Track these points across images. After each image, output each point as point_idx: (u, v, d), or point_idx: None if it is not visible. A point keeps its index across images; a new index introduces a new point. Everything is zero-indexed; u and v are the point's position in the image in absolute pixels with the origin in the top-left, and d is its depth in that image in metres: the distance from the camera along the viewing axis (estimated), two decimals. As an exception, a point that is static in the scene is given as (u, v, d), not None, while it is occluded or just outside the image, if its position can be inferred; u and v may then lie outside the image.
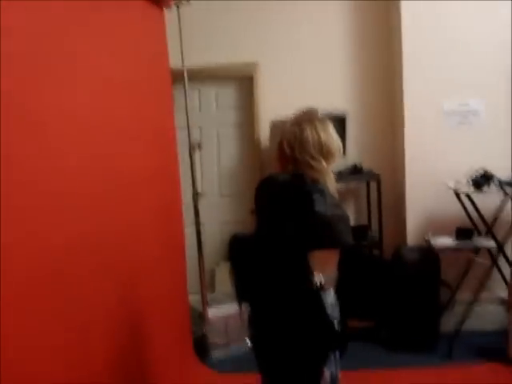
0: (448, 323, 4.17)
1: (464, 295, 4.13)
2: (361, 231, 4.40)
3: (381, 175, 4.50)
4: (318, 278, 2.09)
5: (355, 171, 4.45)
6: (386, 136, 4.70)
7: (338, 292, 2.30)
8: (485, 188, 3.80)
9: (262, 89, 4.70)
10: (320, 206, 2.07)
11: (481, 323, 4.24)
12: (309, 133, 2.21)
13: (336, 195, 2.29)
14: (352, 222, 4.63)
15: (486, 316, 4.25)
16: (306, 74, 4.71)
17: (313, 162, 2.18)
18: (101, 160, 2.62)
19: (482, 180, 3.80)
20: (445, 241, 4.05)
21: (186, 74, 3.87)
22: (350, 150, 4.53)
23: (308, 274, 2.05)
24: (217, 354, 4.06)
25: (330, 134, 2.25)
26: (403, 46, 4.37)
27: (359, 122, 4.68)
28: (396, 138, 4.61)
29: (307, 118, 2.28)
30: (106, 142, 2.71)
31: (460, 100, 4.37)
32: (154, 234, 3.20)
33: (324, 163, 2.20)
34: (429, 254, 4.13)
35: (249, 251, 2.11)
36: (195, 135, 4.62)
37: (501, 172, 4.00)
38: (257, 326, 2.19)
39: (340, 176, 4.37)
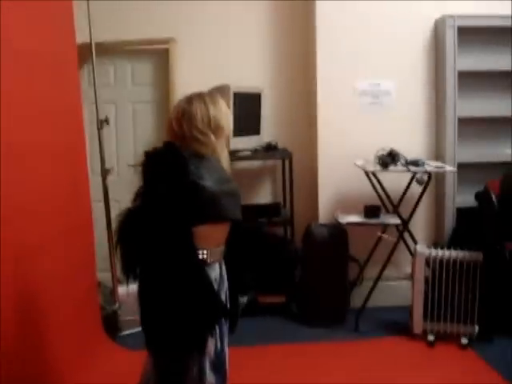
0: (357, 299, 4.30)
1: (372, 271, 4.25)
2: (274, 208, 4.44)
3: (294, 153, 4.53)
4: (202, 252, 2.11)
5: (269, 149, 4.47)
6: (301, 114, 4.72)
7: (230, 267, 2.33)
8: (391, 167, 3.90)
9: (179, 65, 4.62)
10: (204, 180, 2.07)
11: (388, 299, 4.40)
12: (197, 108, 2.21)
13: (229, 170, 2.30)
14: (267, 200, 4.73)
15: (393, 291, 4.41)
16: (222, 51, 4.67)
17: (201, 137, 2.18)
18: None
19: (388, 159, 3.89)
20: (353, 218, 4.14)
21: (93, 49, 3.80)
22: (266, 128, 4.57)
23: (191, 247, 2.06)
24: (127, 331, 4.04)
25: (220, 109, 2.25)
26: (317, 27, 4.40)
27: (275, 100, 4.69)
28: (310, 117, 4.64)
29: (197, 94, 2.28)
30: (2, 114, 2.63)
31: (372, 80, 4.44)
32: (54, 208, 3.12)
33: (213, 137, 2.20)
34: (338, 231, 4.22)
35: (135, 224, 2.09)
36: (109, 111, 4.56)
37: (409, 151, 4.10)
38: (142, 299, 2.18)
39: (255, 153, 4.47)
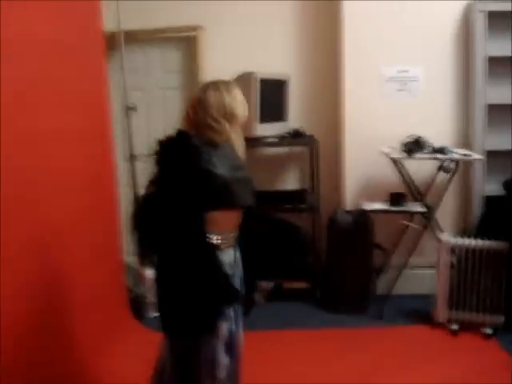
0: (381, 286, 4.31)
1: (397, 259, 4.24)
2: (300, 195, 4.46)
3: (321, 140, 4.54)
4: (215, 238, 2.16)
5: (296, 135, 4.48)
6: (328, 101, 4.70)
7: (244, 252, 2.37)
8: (417, 154, 3.86)
9: (206, 52, 4.66)
10: (217, 168, 2.11)
11: (413, 287, 4.38)
12: (212, 96, 2.24)
13: (243, 157, 2.33)
14: (294, 186, 4.75)
15: (418, 280, 4.39)
16: (249, 39, 4.68)
17: (215, 125, 2.22)
18: (22, 118, 2.62)
19: (415, 146, 3.86)
20: (379, 205, 4.13)
21: (122, 37, 3.88)
22: (292, 115, 4.57)
23: (204, 233, 2.11)
24: (154, 313, 4.14)
25: (235, 97, 2.28)
26: (344, 14, 4.37)
27: (301, 87, 4.69)
28: (337, 104, 4.61)
29: (212, 82, 2.32)
30: (28, 101, 2.71)
31: (399, 67, 4.39)
32: (79, 192, 3.21)
33: (227, 125, 2.24)
34: (363, 218, 4.22)
35: (149, 211, 2.15)
36: (139, 97, 4.64)
37: (436, 139, 4.06)
38: (158, 283, 2.24)
39: (282, 140, 4.49)
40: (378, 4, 4.34)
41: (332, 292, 4.32)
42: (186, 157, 2.08)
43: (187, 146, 2.13)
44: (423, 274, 4.36)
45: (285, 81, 4.48)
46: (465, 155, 3.99)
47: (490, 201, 4.26)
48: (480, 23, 4.19)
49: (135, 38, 4.46)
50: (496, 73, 4.29)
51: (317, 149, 4.46)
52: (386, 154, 4.00)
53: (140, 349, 3.45)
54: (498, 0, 4.19)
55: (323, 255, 4.41)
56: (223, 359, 2.26)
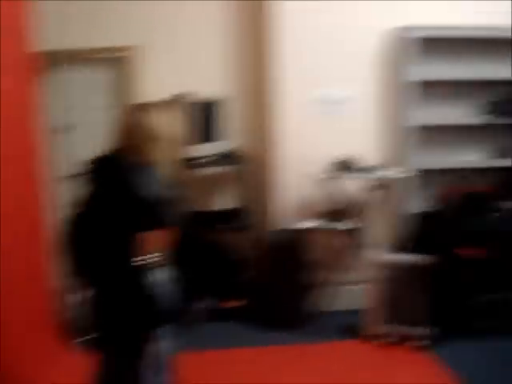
0: (317, 303, 4.38)
1: (331, 276, 4.32)
2: (234, 214, 4.51)
3: (254, 160, 4.61)
4: (145, 258, 2.17)
5: (229, 155, 4.53)
6: (260, 122, 4.77)
7: (179, 271, 2.38)
8: (346, 173, 3.98)
9: (139, 73, 4.64)
10: (144, 189, 2.13)
11: (346, 302, 4.48)
12: (139, 118, 2.27)
13: (172, 177, 2.36)
14: (228, 206, 4.79)
15: (351, 295, 4.48)
16: (183, 59, 4.70)
17: (142, 146, 2.24)
18: None
19: (344, 166, 3.98)
20: (311, 223, 4.23)
21: (50, 57, 3.86)
22: (225, 135, 4.62)
23: (132, 253, 2.12)
24: (88, 335, 4.07)
25: (162, 119, 2.31)
26: (277, 39, 4.46)
27: (235, 108, 4.74)
28: (269, 125, 4.69)
29: (140, 104, 2.36)
30: None
31: (328, 89, 4.51)
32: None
33: (154, 147, 2.26)
34: (297, 236, 4.29)
35: (80, 230, 2.15)
36: (70, 118, 4.59)
37: (366, 158, 4.20)
38: (92, 303, 2.24)
39: (215, 160, 4.52)
40: (310, 30, 4.47)
41: (268, 310, 4.36)
42: (114, 178, 2.10)
43: (116, 167, 2.14)
44: (356, 289, 4.44)
45: (218, 102, 4.54)
46: (393, 174, 4.14)
47: (418, 217, 4.42)
48: (403, 48, 4.38)
49: (73, 57, 4.42)
50: (425, 95, 4.47)
51: (250, 168, 4.52)
52: (317, 174, 4.09)
53: (72, 372, 3.40)
54: (426, 27, 4.36)
55: (258, 274, 4.45)
56: (153, 380, 2.26)
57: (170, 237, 2.31)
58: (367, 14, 4.49)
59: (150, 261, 2.20)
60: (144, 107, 2.33)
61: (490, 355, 3.81)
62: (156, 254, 2.24)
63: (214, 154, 4.50)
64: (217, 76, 4.75)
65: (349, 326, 4.25)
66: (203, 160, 4.43)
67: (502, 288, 4.16)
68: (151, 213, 2.14)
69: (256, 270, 4.45)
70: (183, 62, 4.70)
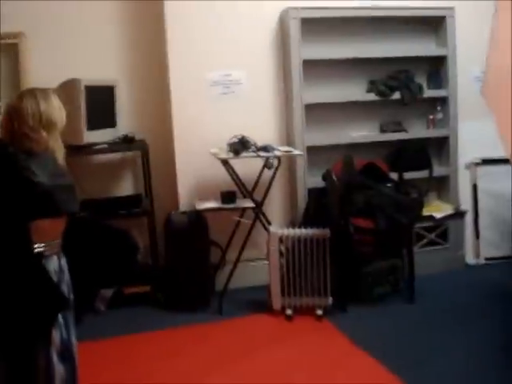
0: (221, 282, 4.45)
1: (233, 254, 4.41)
2: (134, 200, 4.49)
3: (152, 144, 4.58)
4: (39, 246, 2.15)
5: (127, 141, 4.48)
6: (156, 106, 4.77)
7: (72, 259, 2.38)
8: (242, 153, 4.07)
9: (29, 60, 4.50)
10: (37, 176, 2.10)
11: (250, 279, 4.59)
12: (27, 104, 2.23)
13: (64, 164, 2.34)
14: (128, 192, 4.77)
15: (254, 272, 4.60)
16: (74, 45, 4.58)
17: (32, 134, 2.21)
18: None
19: (240, 146, 4.06)
20: (211, 204, 4.30)
21: None
22: (122, 120, 4.56)
23: (28, 242, 2.09)
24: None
25: (52, 105, 2.28)
26: (167, 20, 4.47)
27: (130, 93, 4.70)
28: (165, 108, 4.70)
29: (28, 90, 2.31)
30: None
31: (223, 71, 4.59)
32: None
33: (44, 134, 2.23)
34: (197, 217, 4.35)
35: None
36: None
37: (261, 138, 4.28)
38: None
39: (112, 146, 4.48)
40: (201, 10, 4.50)
41: (173, 292, 4.40)
42: (3, 166, 2.05)
43: (4, 155, 2.10)
44: (258, 266, 4.59)
45: (113, 86, 4.47)
46: (286, 152, 4.29)
47: (312, 193, 4.61)
48: (294, 29, 4.51)
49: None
50: (311, 75, 4.65)
51: (148, 153, 4.51)
52: (215, 155, 4.16)
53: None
54: (310, 7, 4.52)
55: (161, 257, 4.48)
56: (58, 367, 2.26)
57: (65, 224, 2.31)
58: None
59: (46, 248, 2.19)
60: (35, 93, 2.26)
61: (382, 319, 4.07)
62: (51, 242, 2.24)
63: (113, 140, 4.44)
64: (112, 61, 4.69)
65: (254, 302, 4.37)
66: (101, 146, 4.36)
67: (390, 255, 4.46)
68: (45, 200, 2.12)
69: (158, 254, 4.47)
70: (74, 47, 4.58)
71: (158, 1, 4.57)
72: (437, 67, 5.03)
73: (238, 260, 4.30)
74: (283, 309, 4.14)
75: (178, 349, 3.76)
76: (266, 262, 4.25)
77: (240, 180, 4.28)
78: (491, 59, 3.99)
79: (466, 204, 5.10)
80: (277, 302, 4.15)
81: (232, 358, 3.59)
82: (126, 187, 4.81)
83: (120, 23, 4.72)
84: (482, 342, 3.63)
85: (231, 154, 4.08)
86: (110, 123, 4.46)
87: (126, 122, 4.61)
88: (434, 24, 5.01)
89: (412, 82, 4.84)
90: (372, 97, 4.79)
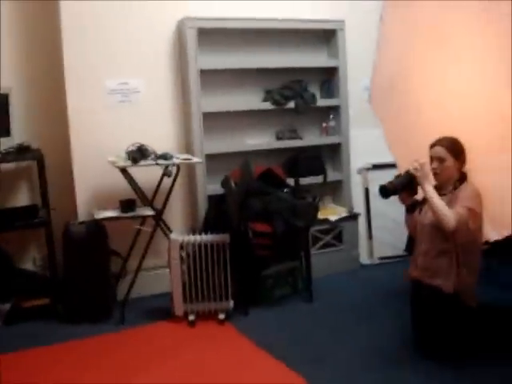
0: (122, 291, 4.42)
1: (136, 263, 4.39)
2: (30, 211, 4.36)
3: (49, 153, 4.48)
4: None
5: (22, 150, 4.35)
6: (53, 114, 4.68)
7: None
8: (141, 161, 4.08)
9: None
10: None
11: (153, 287, 4.62)
12: None
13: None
14: (24, 202, 4.64)
15: (157, 280, 4.62)
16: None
17: None
18: None
19: (138, 154, 4.07)
20: (110, 213, 4.27)
21: None
22: (16, 129, 4.43)
23: None
24: None
25: None
26: (63, 28, 4.41)
27: (25, 101, 4.59)
28: (61, 116, 4.60)
29: None
30: None
31: (121, 79, 4.59)
32: None
33: None
34: (97, 227, 4.30)
35: None
36: None
37: (160, 146, 4.29)
38: None
39: (6, 156, 4.32)
40: (98, 18, 4.49)
41: (74, 304, 4.30)
42: None
43: None
44: (160, 273, 4.60)
45: (6, 94, 4.34)
46: (185, 159, 4.34)
47: (213, 199, 4.69)
48: (191, 38, 4.58)
49: None
50: (208, 84, 4.74)
51: (44, 162, 4.39)
52: (113, 163, 4.14)
53: None
54: (207, 18, 4.62)
55: (61, 268, 4.38)
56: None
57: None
58: (156, 4, 4.63)
59: None
60: None
61: (282, 320, 4.21)
62: None
63: (7, 149, 4.30)
64: (6, 67, 4.48)
65: (157, 310, 4.38)
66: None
67: (289, 258, 4.62)
68: None
69: (57, 265, 4.37)
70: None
71: (53, 9, 4.51)
72: (329, 77, 5.27)
73: (139, 268, 4.29)
74: (186, 315, 4.18)
75: (80, 361, 3.69)
76: (167, 269, 4.28)
77: (139, 188, 4.28)
78: (377, 69, 4.27)
79: (359, 207, 5.39)
80: (179, 308, 4.18)
81: (135, 367, 3.57)
82: (21, 198, 4.67)
83: (13, 26, 4.59)
84: (376, 335, 3.85)
85: (129, 162, 4.07)
86: (3, 132, 4.32)
87: (21, 130, 4.49)
88: (326, 36, 5.27)
89: (306, 92, 5.07)
90: (268, 106, 4.95)
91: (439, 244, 3.43)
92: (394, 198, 3.61)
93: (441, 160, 3.46)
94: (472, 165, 3.50)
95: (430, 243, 3.50)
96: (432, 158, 3.50)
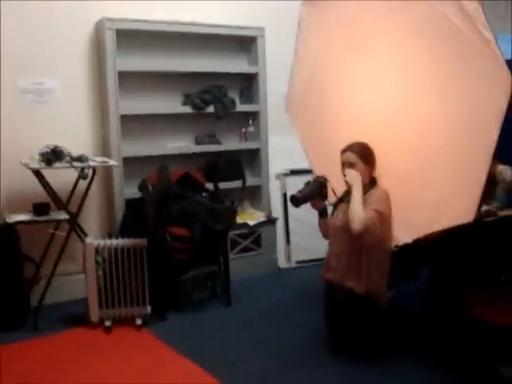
0: (36, 297, 4.27)
1: (49, 268, 4.25)
2: None
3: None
4: None
5: None
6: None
7: None
8: (55, 163, 3.97)
9: None
10: None
11: (68, 293, 4.51)
12: None
13: None
14: None
15: (73, 285, 4.52)
16: None
17: None
18: None
19: (52, 156, 3.95)
20: (22, 217, 4.13)
21: None
22: None
23: None
24: None
25: None
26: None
27: None
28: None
29: None
30: None
31: (35, 79, 4.47)
32: None
33: None
34: (8, 231, 4.14)
35: None
36: None
37: (76, 148, 4.18)
38: None
39: None
40: (14, 15, 4.35)
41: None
42: None
43: None
44: (77, 278, 4.49)
45: None
46: (102, 162, 4.25)
47: (130, 203, 4.64)
48: (109, 40, 4.51)
49: None
50: (127, 86, 4.69)
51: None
52: (26, 165, 4.00)
53: None
54: (125, 19, 4.56)
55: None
56: None
57: None
58: (74, 4, 4.55)
59: None
60: None
61: (200, 324, 4.20)
62: None
63: None
64: None
65: (72, 316, 4.26)
66: None
67: (207, 262, 4.63)
68: None
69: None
70: None
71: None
72: (249, 83, 5.34)
73: (52, 274, 4.16)
74: (102, 321, 4.09)
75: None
76: (83, 274, 4.17)
77: (54, 191, 4.17)
78: (293, 78, 4.36)
79: (277, 212, 5.47)
80: (95, 314, 4.08)
81: (47, 375, 3.46)
82: None
83: None
84: (292, 337, 3.91)
85: (43, 164, 3.95)
86: None
87: None
88: (246, 43, 5.33)
89: (225, 97, 5.11)
90: (187, 109, 4.95)
91: (350, 246, 3.53)
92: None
93: (351, 165, 3.57)
94: (381, 170, 3.64)
95: (341, 245, 3.61)
96: (343, 164, 3.62)
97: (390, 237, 3.57)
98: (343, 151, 3.63)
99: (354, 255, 3.52)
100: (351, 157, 3.57)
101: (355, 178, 3.51)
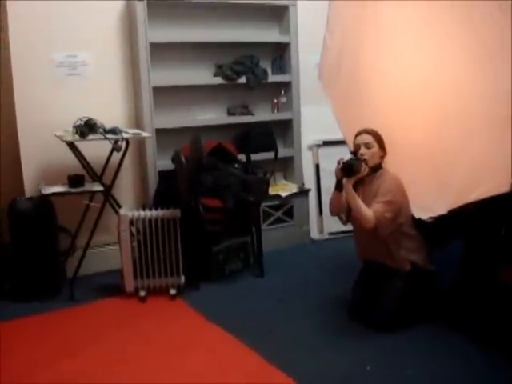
0: (71, 268, 4.36)
1: (84, 239, 4.32)
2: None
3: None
4: None
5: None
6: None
7: None
8: (89, 136, 4.00)
9: None
10: None
11: (102, 264, 4.59)
12: None
13: None
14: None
15: (107, 256, 4.60)
16: None
17: None
18: None
19: (86, 128, 3.98)
20: (57, 188, 4.20)
21: None
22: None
23: None
24: None
25: None
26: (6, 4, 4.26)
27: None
28: (6, 92, 4.44)
29: None
30: None
31: (68, 52, 4.49)
32: None
33: None
34: (44, 203, 4.22)
35: None
36: None
37: (109, 120, 4.19)
38: None
39: None
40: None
41: (21, 281, 4.22)
42: None
43: None
44: (111, 250, 4.56)
45: None
46: (135, 134, 4.28)
47: (163, 175, 4.65)
48: (140, 11, 4.48)
49: None
50: (159, 57, 4.67)
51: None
52: (60, 138, 4.05)
53: None
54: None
55: (7, 246, 4.29)
56: None
57: None
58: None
59: None
60: None
61: (233, 294, 4.25)
62: None
63: None
64: None
65: (107, 286, 4.34)
66: None
67: (240, 233, 4.65)
68: None
69: (3, 243, 4.28)
70: None
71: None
72: (281, 53, 5.27)
73: (87, 245, 4.23)
74: (137, 291, 4.16)
75: (28, 338, 3.63)
76: (117, 246, 4.23)
77: (88, 163, 4.21)
78: (326, 45, 4.29)
79: (309, 183, 5.43)
80: (130, 284, 4.15)
81: (83, 343, 3.54)
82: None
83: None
84: (324, 308, 3.92)
85: (77, 137, 3.99)
86: None
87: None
88: (278, 12, 5.25)
89: (257, 67, 5.06)
90: (219, 80, 4.92)
91: (373, 236, 3.58)
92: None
93: (368, 146, 3.61)
94: (417, 137, 3.60)
95: (364, 235, 3.67)
96: (359, 145, 3.64)
97: (405, 216, 3.59)
98: (358, 133, 3.68)
99: (381, 243, 3.60)
100: (368, 138, 3.63)
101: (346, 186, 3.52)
